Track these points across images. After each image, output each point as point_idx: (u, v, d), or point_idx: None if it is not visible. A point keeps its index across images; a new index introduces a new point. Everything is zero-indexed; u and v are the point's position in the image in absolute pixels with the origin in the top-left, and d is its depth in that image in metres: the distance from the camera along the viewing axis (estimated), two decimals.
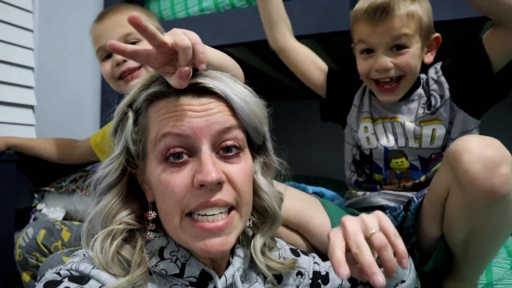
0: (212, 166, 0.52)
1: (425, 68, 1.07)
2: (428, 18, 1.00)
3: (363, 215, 0.55)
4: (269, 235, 0.67)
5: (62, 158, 1.38)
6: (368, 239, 0.52)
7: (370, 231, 0.52)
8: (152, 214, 0.59)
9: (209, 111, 0.55)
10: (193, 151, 0.55)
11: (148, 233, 0.58)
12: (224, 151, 0.56)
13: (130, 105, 0.59)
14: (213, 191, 0.54)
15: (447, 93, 1.01)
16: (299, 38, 1.21)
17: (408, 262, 0.54)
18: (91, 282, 0.50)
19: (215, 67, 0.60)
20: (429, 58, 1.04)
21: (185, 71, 0.52)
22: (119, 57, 1.08)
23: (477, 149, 0.73)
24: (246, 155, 0.60)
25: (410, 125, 1.04)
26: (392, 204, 1.04)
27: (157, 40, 0.51)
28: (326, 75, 1.17)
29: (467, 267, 0.88)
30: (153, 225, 0.59)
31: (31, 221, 1.37)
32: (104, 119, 1.52)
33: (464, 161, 0.74)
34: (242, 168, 0.57)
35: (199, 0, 1.55)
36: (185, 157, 0.54)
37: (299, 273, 0.72)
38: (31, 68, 1.47)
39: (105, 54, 1.13)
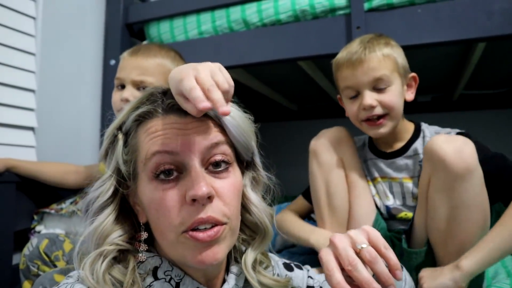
0: (202, 180, 0.53)
1: (408, 107, 1.13)
2: (402, 59, 1.10)
3: (351, 231, 0.55)
4: (260, 250, 0.66)
5: (60, 182, 1.39)
6: (358, 255, 0.51)
7: (359, 246, 0.52)
8: (144, 235, 0.59)
9: (197, 128, 0.56)
10: (182, 168, 0.55)
11: (140, 255, 0.58)
12: (213, 166, 0.57)
13: (119, 128, 0.60)
14: (204, 206, 0.54)
15: None
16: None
17: (403, 273, 0.54)
18: None
19: None
20: (409, 96, 1.12)
21: (206, 106, 0.51)
22: (126, 96, 1.16)
23: (446, 137, 0.94)
24: (235, 169, 0.60)
25: (409, 184, 1.11)
26: None
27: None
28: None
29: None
30: (145, 245, 0.59)
31: None
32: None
33: (436, 145, 0.93)
34: (231, 182, 0.58)
35: (198, 23, 1.59)
36: (175, 173, 0.55)
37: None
38: (32, 91, 1.49)
39: (120, 84, 1.21)
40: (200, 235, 0.54)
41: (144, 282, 0.56)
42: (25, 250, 1.15)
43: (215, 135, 0.57)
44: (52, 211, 1.37)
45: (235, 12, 1.52)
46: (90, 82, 1.73)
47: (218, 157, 0.57)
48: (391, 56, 1.06)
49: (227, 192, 0.57)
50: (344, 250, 0.52)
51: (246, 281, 0.66)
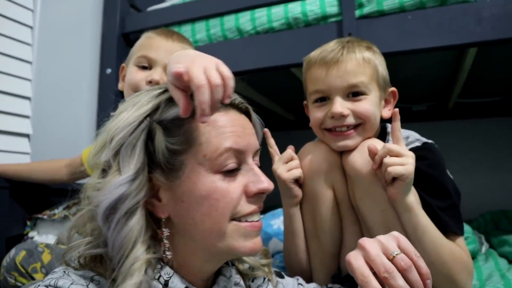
0: (265, 176, 0.60)
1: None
2: (383, 69, 0.96)
3: (380, 237, 0.55)
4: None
5: (51, 179, 1.35)
6: (390, 261, 0.51)
7: (392, 253, 0.52)
8: (166, 232, 0.57)
9: (251, 130, 0.63)
10: (240, 163, 0.60)
11: (167, 253, 0.57)
12: None
13: (149, 116, 0.57)
14: (261, 199, 0.60)
15: None
16: None
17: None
18: None
19: None
20: (386, 113, 0.97)
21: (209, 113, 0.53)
22: (157, 78, 1.09)
23: (358, 147, 0.90)
24: None
25: None
26: None
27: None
28: None
29: None
30: (167, 242, 0.57)
31: None
32: None
33: (348, 157, 0.90)
34: None
35: (193, 32, 1.61)
36: (236, 167, 0.59)
37: None
38: (28, 98, 1.51)
39: (144, 64, 1.13)
40: (255, 224, 0.60)
41: None
42: (4, 261, 1.13)
43: (257, 139, 0.65)
44: (45, 217, 1.37)
45: (229, 21, 1.55)
46: (86, 90, 1.74)
47: (256, 162, 0.63)
48: (371, 62, 0.92)
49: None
50: (378, 256, 0.51)
51: (235, 284, 0.67)
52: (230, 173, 0.58)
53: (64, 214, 1.34)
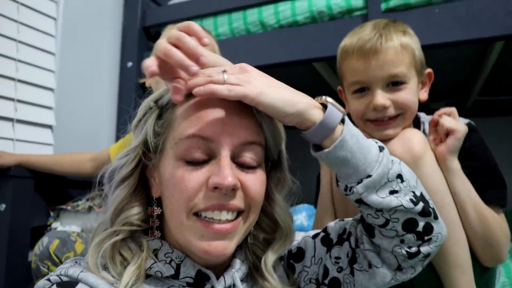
0: (229, 171, 0.53)
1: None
2: (419, 52, 0.95)
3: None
4: (281, 252, 0.66)
5: (77, 172, 1.36)
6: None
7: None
8: (157, 210, 0.59)
9: (238, 117, 0.56)
10: (212, 154, 0.55)
11: (155, 231, 0.59)
12: (241, 161, 0.57)
13: (156, 101, 0.61)
14: (227, 196, 0.54)
15: None
16: None
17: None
18: (79, 286, 0.51)
19: None
20: (423, 95, 0.98)
21: (176, 87, 0.54)
22: None
23: (399, 135, 0.92)
24: (262, 169, 0.60)
25: None
26: None
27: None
28: None
29: None
30: (157, 221, 0.60)
31: None
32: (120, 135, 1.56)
33: (388, 145, 0.89)
34: (257, 178, 0.58)
35: (215, 26, 1.61)
36: (203, 158, 0.55)
37: (281, 258, 0.70)
38: (51, 90, 1.51)
39: None
40: (216, 226, 0.54)
41: (145, 264, 0.56)
42: (36, 249, 1.12)
43: (251, 134, 0.57)
44: (69, 208, 1.37)
45: (252, 14, 1.54)
46: (107, 82, 1.75)
47: (248, 159, 0.57)
48: (409, 47, 0.91)
49: (253, 186, 0.57)
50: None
51: (250, 268, 0.65)
52: (193, 162, 0.54)
53: (88, 205, 1.34)
